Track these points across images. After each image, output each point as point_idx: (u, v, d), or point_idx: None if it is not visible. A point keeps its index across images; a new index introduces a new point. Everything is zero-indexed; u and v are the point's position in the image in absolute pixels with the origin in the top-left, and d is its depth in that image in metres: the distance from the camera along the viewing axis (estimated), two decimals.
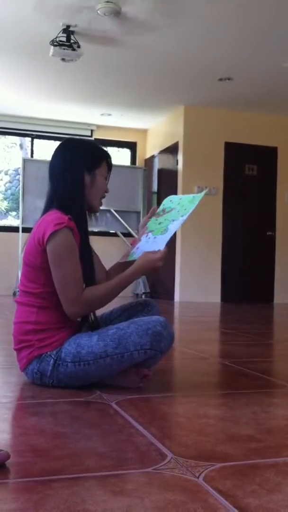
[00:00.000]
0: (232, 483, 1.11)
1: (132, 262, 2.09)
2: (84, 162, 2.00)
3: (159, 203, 8.90)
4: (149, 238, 2.09)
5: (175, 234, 2.05)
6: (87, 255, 1.99)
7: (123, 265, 2.15)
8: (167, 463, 1.22)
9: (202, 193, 2.07)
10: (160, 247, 1.98)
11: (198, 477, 1.13)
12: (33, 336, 1.92)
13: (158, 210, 2.18)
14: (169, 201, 2.18)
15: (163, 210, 2.16)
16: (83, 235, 1.97)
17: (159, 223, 2.11)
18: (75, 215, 1.93)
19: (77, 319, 1.99)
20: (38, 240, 1.89)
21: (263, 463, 1.24)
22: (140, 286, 8.12)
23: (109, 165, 2.09)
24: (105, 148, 2.14)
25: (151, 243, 2.06)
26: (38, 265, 1.92)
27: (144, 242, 2.10)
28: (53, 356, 1.89)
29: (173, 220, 2.05)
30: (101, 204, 2.08)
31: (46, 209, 2.00)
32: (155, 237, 2.06)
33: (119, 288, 1.95)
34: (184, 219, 2.02)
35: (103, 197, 2.08)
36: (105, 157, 2.06)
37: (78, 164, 1.99)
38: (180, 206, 2.10)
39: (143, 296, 7.88)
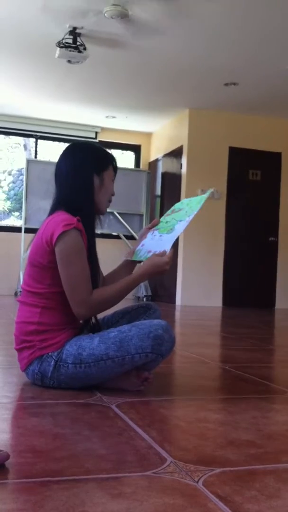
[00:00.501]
0: (232, 488, 1.10)
1: (136, 262, 2.11)
2: (93, 164, 2.02)
3: (162, 207, 8.91)
4: (154, 235, 2.11)
5: (178, 237, 2.06)
6: (93, 257, 2.00)
7: (127, 264, 2.17)
8: (167, 467, 1.21)
9: (208, 192, 2.10)
10: (165, 247, 1.99)
11: (197, 482, 1.13)
12: (35, 336, 1.92)
13: (168, 211, 2.20)
14: (180, 203, 2.22)
15: (173, 211, 2.18)
16: (91, 237, 1.98)
17: (166, 222, 2.13)
18: (84, 217, 1.94)
19: (84, 319, 1.99)
20: (46, 241, 1.89)
21: (262, 469, 1.24)
22: (142, 289, 8.12)
23: (115, 168, 2.10)
24: (109, 151, 2.15)
25: (157, 240, 2.07)
26: (45, 265, 1.92)
27: (149, 239, 2.12)
28: (54, 357, 1.89)
29: (180, 221, 2.06)
30: (108, 206, 2.09)
31: (53, 211, 2.01)
32: (161, 235, 2.08)
33: (125, 290, 1.96)
34: (190, 219, 2.03)
35: (110, 200, 2.09)
36: (112, 160, 2.08)
37: (87, 166, 2.01)
38: (188, 207, 2.12)
39: (144, 299, 7.87)
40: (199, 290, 7.60)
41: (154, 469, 1.20)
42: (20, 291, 2.06)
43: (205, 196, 2.11)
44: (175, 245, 8.14)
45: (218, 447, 1.39)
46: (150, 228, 2.17)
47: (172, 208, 2.22)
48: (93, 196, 2.01)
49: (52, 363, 1.89)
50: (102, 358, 1.85)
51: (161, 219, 2.18)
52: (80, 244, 1.89)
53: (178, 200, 7.75)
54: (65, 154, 2.05)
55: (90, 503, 1.00)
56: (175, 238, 2.01)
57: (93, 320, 2.05)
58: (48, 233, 1.89)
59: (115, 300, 1.96)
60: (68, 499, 1.01)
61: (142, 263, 2.01)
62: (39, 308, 1.94)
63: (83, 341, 1.89)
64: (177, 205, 2.21)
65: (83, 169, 2.00)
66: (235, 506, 1.02)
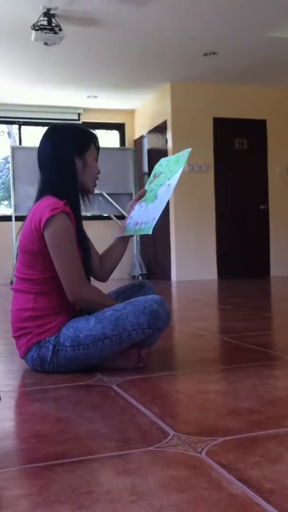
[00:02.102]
0: (234, 456, 1.12)
1: (128, 236, 2.11)
2: (73, 146, 2.00)
3: None
4: (141, 206, 2.11)
5: (168, 210, 2.06)
6: (82, 240, 2.01)
7: (120, 240, 2.19)
8: (170, 441, 1.23)
9: (186, 152, 2.06)
10: (154, 215, 1.98)
11: (200, 453, 1.14)
12: (31, 322, 1.93)
13: (150, 177, 2.20)
14: (159, 166, 2.20)
15: (154, 175, 2.18)
16: (79, 220, 1.98)
17: (151, 190, 2.13)
18: (70, 200, 1.93)
19: (76, 304, 1.99)
20: (35, 226, 1.89)
21: (264, 434, 1.25)
22: (136, 268, 8.13)
23: (98, 147, 2.09)
24: (93, 131, 2.14)
25: (143, 211, 2.06)
26: (35, 251, 1.92)
27: (137, 211, 2.12)
28: (52, 342, 1.90)
29: (161, 185, 2.05)
30: (95, 185, 2.08)
31: (39, 196, 2.00)
32: (147, 206, 2.07)
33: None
34: (173, 184, 2.00)
35: (97, 178, 2.08)
36: (93, 139, 2.06)
37: (67, 149, 1.99)
38: (167, 169, 2.10)
39: (139, 278, 7.89)
40: (193, 264, 7.61)
41: (157, 444, 1.21)
42: (12, 287, 2.06)
43: (181, 154, 2.08)
44: (165, 222, 8.12)
45: (219, 417, 1.41)
46: (137, 200, 2.18)
47: (153, 172, 2.20)
48: (77, 178, 2.00)
49: (51, 348, 1.90)
50: (100, 338, 1.86)
51: (146, 187, 2.18)
52: (68, 227, 1.89)
53: None
54: (45, 137, 2.04)
55: (95, 482, 1.01)
56: (162, 206, 1.99)
57: None
58: (36, 219, 1.89)
59: (99, 309, 1.94)
60: (73, 480, 1.02)
61: None
62: (32, 294, 1.94)
63: (79, 323, 1.90)
64: (157, 168, 2.19)
65: (64, 152, 1.98)
66: (239, 473, 1.03)
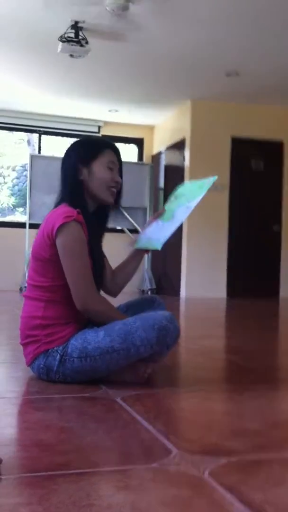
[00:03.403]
0: (238, 478, 1.10)
1: (141, 250, 2.11)
2: (77, 156, 2.03)
3: (166, 200, 8.81)
4: (157, 224, 2.14)
5: (181, 226, 2.08)
6: (96, 250, 2.01)
7: (135, 256, 2.21)
8: (172, 458, 1.22)
9: (212, 179, 2.07)
10: (165, 234, 2.00)
11: (203, 473, 1.13)
12: (40, 331, 1.93)
13: (171, 197, 2.21)
14: (182, 188, 2.22)
15: (175, 197, 2.18)
16: (91, 230, 1.98)
17: (170, 210, 2.15)
18: (83, 210, 1.94)
19: (85, 315, 1.98)
20: (48, 234, 1.90)
21: (268, 457, 1.24)
22: (146, 282, 8.12)
23: (117, 155, 2.06)
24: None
25: (158, 228, 2.09)
26: (47, 258, 1.93)
27: (152, 228, 2.15)
28: (59, 351, 1.90)
29: (180, 206, 2.06)
30: (113, 195, 2.05)
31: (56, 205, 2.04)
32: (163, 223, 2.09)
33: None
34: (192, 207, 2.03)
35: (114, 187, 2.05)
36: (104, 148, 2.04)
37: (70, 158, 2.04)
38: (190, 193, 2.12)
39: (149, 293, 7.87)
40: (203, 282, 7.59)
41: (160, 461, 1.20)
42: (25, 286, 2.07)
43: (206, 181, 2.09)
44: (178, 237, 8.10)
45: (223, 437, 1.39)
46: (155, 218, 2.18)
47: (175, 193, 2.21)
48: (80, 187, 2.01)
49: (58, 357, 1.90)
50: (108, 351, 1.85)
51: (165, 206, 2.19)
52: (80, 236, 1.90)
53: None
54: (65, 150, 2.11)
55: (96, 496, 1.00)
56: (176, 225, 2.01)
57: None
58: (49, 226, 1.90)
59: (107, 321, 1.94)
60: (74, 492, 1.02)
61: None
62: (43, 302, 1.94)
63: (88, 335, 1.90)
64: (179, 190, 2.21)
65: (67, 161, 2.04)
66: (241, 496, 1.02)
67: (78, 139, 2.17)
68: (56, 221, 1.88)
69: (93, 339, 1.87)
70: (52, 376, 1.93)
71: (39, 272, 1.97)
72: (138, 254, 2.21)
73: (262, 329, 4.02)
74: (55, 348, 1.90)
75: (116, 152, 2.07)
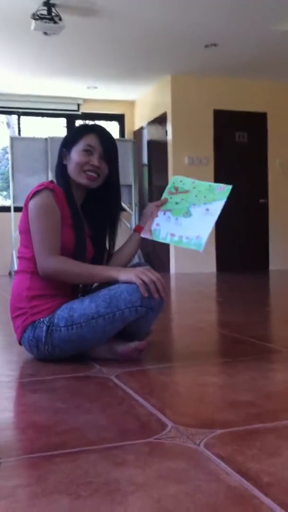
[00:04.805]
0: (233, 449, 1.12)
1: (149, 240, 2.12)
2: (63, 142, 2.11)
3: (150, 175, 8.78)
4: (168, 217, 2.11)
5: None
6: (78, 226, 2.02)
7: (136, 238, 2.17)
8: (168, 432, 1.23)
9: (227, 188, 2.06)
10: (198, 233, 2.03)
11: (199, 445, 1.15)
12: (27, 303, 1.96)
13: (168, 187, 2.16)
14: (179, 181, 2.16)
15: (175, 188, 2.14)
16: (72, 208, 2.02)
17: (176, 203, 2.12)
18: (64, 188, 2.03)
19: (46, 277, 1.96)
20: (24, 204, 2.00)
21: (262, 427, 1.25)
22: (135, 259, 8.12)
23: (101, 139, 2.04)
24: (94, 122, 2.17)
25: (175, 224, 2.07)
26: (27, 228, 1.99)
27: (164, 220, 2.10)
28: (46, 322, 1.92)
29: (194, 204, 2.08)
30: (91, 178, 2.03)
31: None
32: (176, 218, 2.08)
33: (88, 277, 1.96)
34: (214, 213, 2.06)
35: (90, 170, 2.02)
36: (85, 132, 2.06)
37: (61, 146, 2.11)
38: (197, 191, 2.11)
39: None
40: (192, 257, 7.59)
41: (155, 436, 1.21)
42: (15, 270, 2.10)
43: (216, 186, 2.08)
44: None
45: (218, 409, 1.41)
46: (158, 206, 2.13)
47: (173, 184, 2.16)
48: (64, 172, 2.07)
49: (45, 328, 1.91)
50: (93, 316, 1.86)
51: (167, 196, 2.14)
52: (49, 203, 1.95)
53: (166, 167, 7.72)
54: None
55: (94, 473, 1.01)
56: (208, 228, 2.04)
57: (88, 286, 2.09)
58: (26, 198, 2.00)
59: (72, 279, 1.97)
60: (72, 471, 1.03)
61: (127, 269, 1.94)
62: (29, 274, 1.99)
63: (74, 304, 1.93)
64: (177, 183, 2.15)
65: (59, 149, 2.12)
66: (237, 466, 1.03)
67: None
68: (31, 192, 1.98)
69: (78, 306, 1.90)
70: (42, 347, 1.94)
71: (23, 244, 2.04)
72: (138, 240, 2.17)
73: (253, 301, 4.05)
74: (41, 319, 1.93)
75: (100, 135, 2.05)
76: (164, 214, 2.12)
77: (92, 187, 2.07)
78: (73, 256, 1.97)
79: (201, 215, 2.07)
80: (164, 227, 2.10)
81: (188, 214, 2.08)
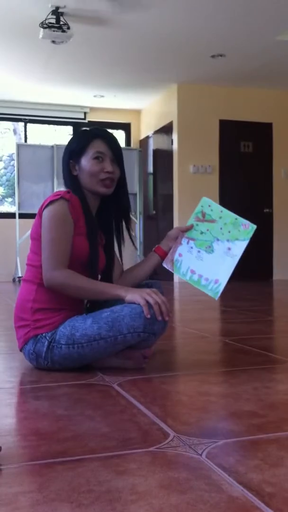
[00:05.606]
0: (235, 459, 1.11)
1: (159, 261, 2.11)
2: (68, 153, 2.06)
3: (155, 184, 8.79)
4: (191, 248, 2.07)
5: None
6: (93, 237, 1.98)
7: (154, 260, 2.14)
8: (170, 442, 1.22)
9: (251, 227, 2.04)
10: (216, 276, 2.01)
11: (201, 455, 1.14)
12: (30, 315, 1.95)
13: (197, 210, 2.11)
14: (207, 206, 2.10)
15: (203, 215, 2.09)
16: (88, 218, 1.99)
17: (201, 233, 2.07)
18: (80, 198, 1.99)
19: (50, 289, 1.93)
20: (39, 212, 1.98)
21: (265, 438, 1.25)
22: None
23: (108, 143, 2.02)
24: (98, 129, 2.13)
25: (196, 259, 2.05)
26: (39, 236, 1.97)
27: (186, 251, 2.07)
28: (48, 338, 1.91)
29: (218, 240, 2.04)
30: (108, 185, 2.02)
31: None
32: (199, 251, 2.05)
33: (94, 293, 1.91)
34: (236, 254, 2.05)
35: (105, 179, 2.00)
36: (91, 139, 2.03)
37: (64, 156, 2.08)
38: (223, 223, 2.05)
39: None
40: None
41: (157, 445, 1.21)
42: (19, 277, 2.09)
43: (241, 221, 2.05)
44: (170, 222, 8.05)
45: (220, 419, 1.40)
46: (183, 231, 2.09)
47: (201, 207, 2.10)
48: (76, 183, 2.03)
49: (46, 343, 1.91)
50: (95, 338, 1.85)
51: (193, 222, 2.09)
52: (63, 213, 1.92)
53: (171, 177, 7.73)
54: None
55: (95, 481, 1.01)
56: (227, 273, 2.02)
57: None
58: (41, 206, 1.98)
59: (77, 293, 1.92)
60: (73, 479, 1.02)
61: (133, 292, 1.87)
62: (35, 285, 1.97)
63: (76, 322, 1.91)
64: (205, 207, 2.10)
65: (63, 160, 2.09)
66: (239, 476, 1.03)
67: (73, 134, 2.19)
68: (46, 200, 1.96)
69: (81, 326, 1.88)
70: (41, 362, 1.94)
71: (33, 250, 2.02)
72: (157, 263, 2.14)
73: (256, 311, 4.04)
74: (43, 334, 1.92)
75: (107, 140, 2.03)
76: (188, 243, 2.08)
77: (109, 194, 2.05)
78: (87, 265, 1.96)
79: (222, 254, 2.03)
80: (186, 260, 2.06)
81: (210, 249, 2.04)
